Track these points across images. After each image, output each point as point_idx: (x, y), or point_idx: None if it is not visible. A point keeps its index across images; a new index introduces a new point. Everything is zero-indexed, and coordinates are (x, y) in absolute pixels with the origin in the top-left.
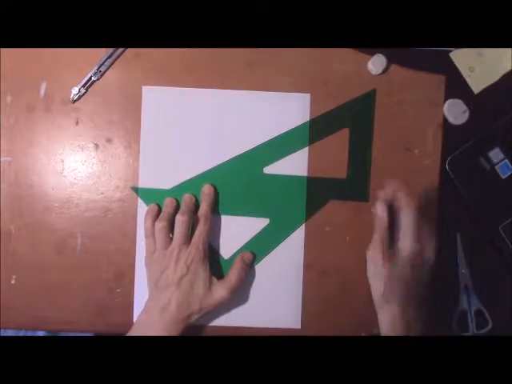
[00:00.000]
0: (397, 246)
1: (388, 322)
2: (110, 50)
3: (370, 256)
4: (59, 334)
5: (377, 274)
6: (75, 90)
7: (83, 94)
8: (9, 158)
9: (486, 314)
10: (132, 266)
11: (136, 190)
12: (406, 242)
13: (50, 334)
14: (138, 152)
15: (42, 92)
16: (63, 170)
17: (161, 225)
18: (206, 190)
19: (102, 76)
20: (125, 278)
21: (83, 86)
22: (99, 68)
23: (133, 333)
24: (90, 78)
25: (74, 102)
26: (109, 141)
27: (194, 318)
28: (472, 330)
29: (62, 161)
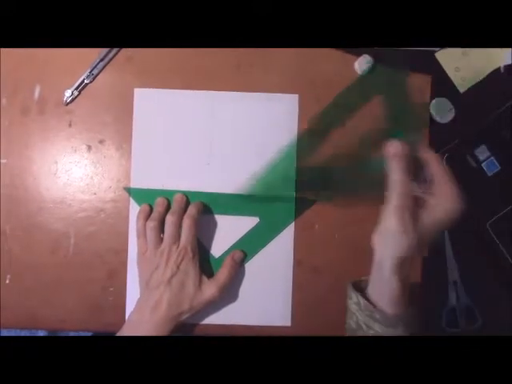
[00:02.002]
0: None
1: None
2: (103, 52)
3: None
4: (58, 334)
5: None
6: (68, 93)
7: (76, 97)
8: (4, 160)
9: (475, 311)
10: (124, 265)
11: (128, 190)
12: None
13: (49, 334)
14: (130, 153)
15: (36, 95)
16: (57, 171)
17: (152, 224)
18: None
19: (94, 79)
20: (117, 277)
21: (76, 88)
22: (92, 71)
23: (124, 331)
24: (83, 81)
25: (67, 104)
26: (101, 142)
27: (185, 316)
28: (461, 326)
29: (56, 162)
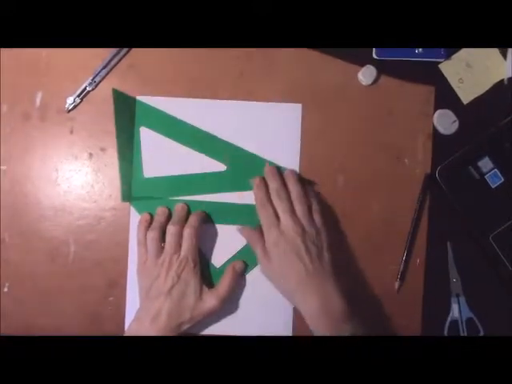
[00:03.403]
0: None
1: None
2: (106, 60)
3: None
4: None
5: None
6: (70, 100)
7: (78, 104)
8: (4, 167)
9: (477, 323)
10: (124, 275)
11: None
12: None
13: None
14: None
15: (38, 101)
16: (57, 178)
17: (152, 234)
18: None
19: (96, 86)
20: (117, 286)
21: (78, 95)
22: (94, 78)
23: None
24: (85, 88)
25: (69, 111)
26: (103, 150)
27: (185, 327)
28: None
29: (57, 169)
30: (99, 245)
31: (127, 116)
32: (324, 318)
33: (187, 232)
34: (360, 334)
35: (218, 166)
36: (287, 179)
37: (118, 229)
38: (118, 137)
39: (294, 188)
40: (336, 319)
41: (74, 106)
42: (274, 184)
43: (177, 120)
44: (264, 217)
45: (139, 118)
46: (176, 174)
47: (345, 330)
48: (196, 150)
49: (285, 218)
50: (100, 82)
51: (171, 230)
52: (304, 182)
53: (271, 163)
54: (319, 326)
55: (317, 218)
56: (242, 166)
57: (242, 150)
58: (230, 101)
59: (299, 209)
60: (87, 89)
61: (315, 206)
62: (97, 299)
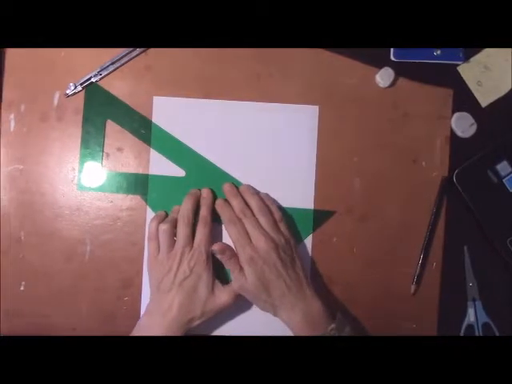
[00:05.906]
0: None
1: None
2: (115, 56)
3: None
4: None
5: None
6: (71, 87)
7: (78, 92)
8: (21, 166)
9: (494, 327)
10: (140, 274)
11: (145, 198)
12: None
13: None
14: (148, 161)
15: (56, 102)
16: (74, 178)
17: (165, 227)
18: (205, 193)
19: (101, 79)
20: (133, 286)
21: (81, 84)
22: (100, 71)
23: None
24: (90, 79)
25: (68, 97)
26: (119, 150)
27: (196, 322)
28: None
29: (73, 169)
30: (115, 244)
31: (96, 108)
32: (309, 324)
33: (198, 223)
34: (347, 331)
35: (178, 172)
36: (244, 194)
37: (134, 229)
38: (85, 126)
39: (253, 202)
40: (319, 322)
41: (74, 93)
42: (236, 203)
43: (141, 117)
44: (235, 234)
45: (106, 110)
46: (135, 172)
47: (330, 329)
48: (158, 152)
49: (254, 233)
50: (106, 75)
51: (183, 220)
52: (259, 193)
53: (234, 180)
54: (305, 333)
55: (282, 226)
56: (201, 175)
57: (203, 158)
58: (246, 102)
59: (264, 221)
60: (92, 80)
61: (277, 216)
62: (112, 299)
